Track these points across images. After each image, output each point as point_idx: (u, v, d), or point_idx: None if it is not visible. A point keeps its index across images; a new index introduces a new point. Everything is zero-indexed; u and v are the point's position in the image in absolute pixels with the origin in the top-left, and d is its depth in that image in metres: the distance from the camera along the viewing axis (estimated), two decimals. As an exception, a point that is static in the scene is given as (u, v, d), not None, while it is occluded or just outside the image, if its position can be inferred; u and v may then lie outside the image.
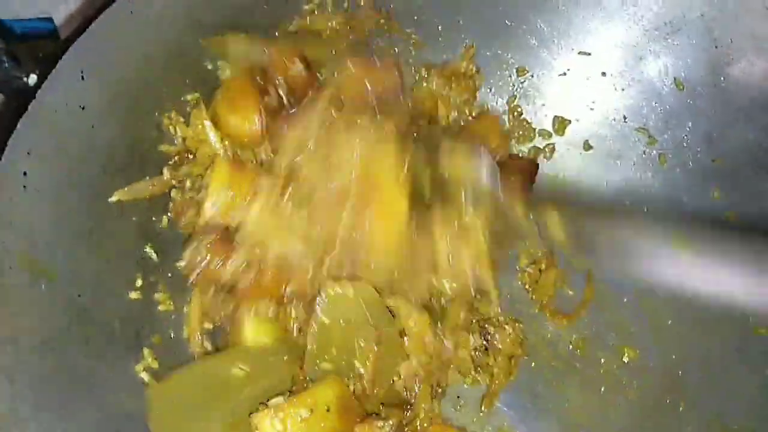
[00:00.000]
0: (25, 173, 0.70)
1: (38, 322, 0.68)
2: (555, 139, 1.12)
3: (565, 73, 1.11)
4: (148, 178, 0.87)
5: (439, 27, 1.07)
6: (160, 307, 0.87)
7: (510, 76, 1.11)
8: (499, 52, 1.10)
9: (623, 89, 1.09)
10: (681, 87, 1.04)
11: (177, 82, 0.90)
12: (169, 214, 0.89)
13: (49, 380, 0.67)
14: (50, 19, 1.19)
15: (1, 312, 0.64)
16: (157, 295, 0.87)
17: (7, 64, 0.69)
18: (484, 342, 0.96)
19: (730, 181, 1.04)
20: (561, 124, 1.12)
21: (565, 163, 1.13)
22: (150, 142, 0.88)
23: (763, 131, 1.00)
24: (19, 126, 0.69)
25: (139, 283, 0.85)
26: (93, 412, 0.71)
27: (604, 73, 1.09)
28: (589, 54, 1.08)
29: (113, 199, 0.81)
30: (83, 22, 0.79)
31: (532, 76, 1.11)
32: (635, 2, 1.01)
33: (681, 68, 1.04)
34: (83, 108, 0.77)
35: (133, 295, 0.84)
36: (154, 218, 0.89)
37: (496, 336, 0.96)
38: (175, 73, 0.89)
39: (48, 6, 1.17)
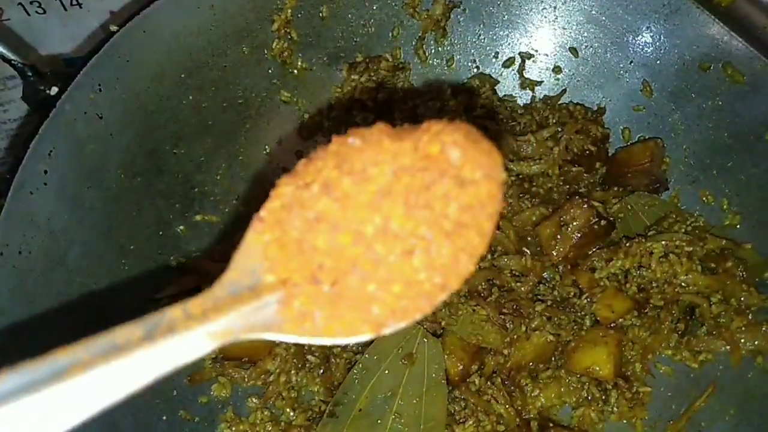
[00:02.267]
0: (45, 171, 0.78)
1: (55, 307, 0.75)
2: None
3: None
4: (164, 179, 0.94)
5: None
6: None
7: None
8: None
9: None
10: None
11: (193, 98, 0.98)
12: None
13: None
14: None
15: (18, 294, 0.71)
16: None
17: (32, 78, 0.77)
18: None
19: None
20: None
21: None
22: (167, 152, 0.96)
23: None
24: (40, 130, 0.77)
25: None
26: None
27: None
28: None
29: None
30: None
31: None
32: None
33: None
34: (101, 117, 0.85)
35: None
36: (172, 219, 0.96)
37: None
38: (190, 90, 0.97)
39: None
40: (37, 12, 1.26)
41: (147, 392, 0.81)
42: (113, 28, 0.88)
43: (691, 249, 0.98)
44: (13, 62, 0.78)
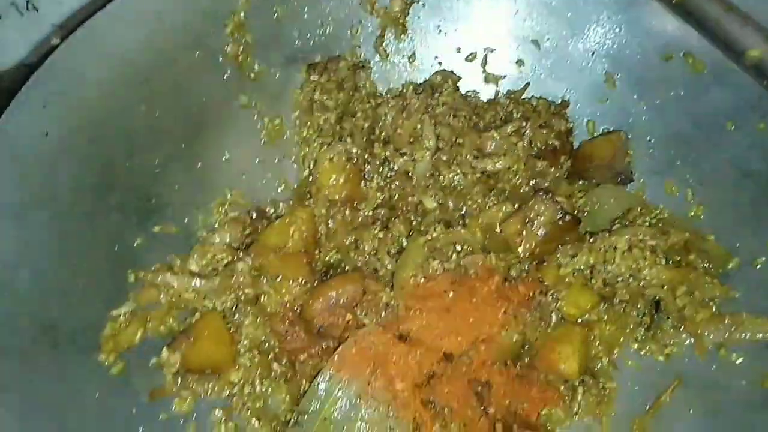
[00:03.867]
0: (-12, 196, 0.76)
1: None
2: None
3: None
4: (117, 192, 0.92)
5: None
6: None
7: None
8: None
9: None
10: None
11: (145, 108, 0.96)
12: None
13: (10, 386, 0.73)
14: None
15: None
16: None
17: (-30, 98, 0.75)
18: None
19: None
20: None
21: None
22: (120, 165, 0.93)
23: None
24: (-20, 153, 0.75)
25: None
26: (60, 413, 0.76)
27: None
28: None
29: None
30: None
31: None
32: None
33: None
34: (47, 134, 0.83)
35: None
36: (127, 233, 0.94)
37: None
38: (142, 100, 0.95)
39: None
40: (-9, 17, 1.23)
41: (105, 412, 0.80)
42: (55, 41, 0.85)
43: (654, 243, 0.97)
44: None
